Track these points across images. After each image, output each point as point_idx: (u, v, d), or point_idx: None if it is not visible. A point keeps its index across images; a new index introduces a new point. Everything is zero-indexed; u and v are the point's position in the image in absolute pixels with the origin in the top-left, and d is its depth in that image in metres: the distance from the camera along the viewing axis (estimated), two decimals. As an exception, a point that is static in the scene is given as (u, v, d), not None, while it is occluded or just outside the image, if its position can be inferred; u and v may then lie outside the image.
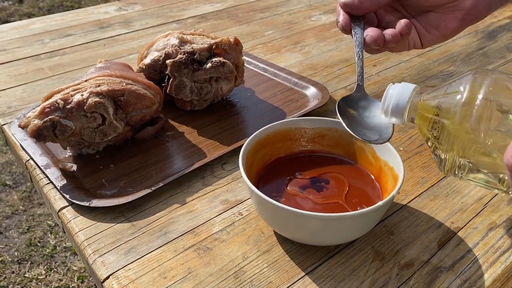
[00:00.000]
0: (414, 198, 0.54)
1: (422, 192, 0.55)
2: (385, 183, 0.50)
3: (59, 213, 0.53)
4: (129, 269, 0.46)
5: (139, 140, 0.64)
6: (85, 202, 0.52)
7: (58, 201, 0.54)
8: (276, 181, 0.51)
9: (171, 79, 0.65)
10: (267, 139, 0.53)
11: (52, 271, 1.44)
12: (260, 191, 0.44)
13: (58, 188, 0.55)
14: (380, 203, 0.42)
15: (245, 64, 0.83)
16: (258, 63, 0.84)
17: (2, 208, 1.67)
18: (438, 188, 0.56)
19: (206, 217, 0.52)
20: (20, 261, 1.47)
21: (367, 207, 0.47)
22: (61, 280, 1.41)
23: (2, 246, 1.52)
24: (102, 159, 0.61)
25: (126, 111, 0.59)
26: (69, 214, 0.52)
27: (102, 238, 0.49)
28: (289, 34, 1.03)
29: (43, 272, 1.43)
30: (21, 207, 1.69)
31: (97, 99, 0.56)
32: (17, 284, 1.39)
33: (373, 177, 0.52)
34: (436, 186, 0.56)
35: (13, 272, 1.43)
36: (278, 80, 0.80)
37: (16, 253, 1.50)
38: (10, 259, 1.47)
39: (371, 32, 0.47)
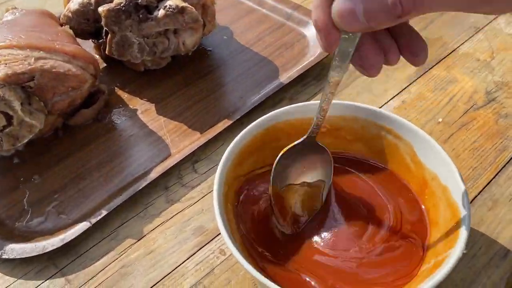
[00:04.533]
0: (466, 208, 0.38)
1: (475, 196, 0.39)
2: (433, 208, 0.33)
3: (-37, 264, 0.37)
4: None
5: (74, 127, 0.46)
6: (-5, 252, 0.36)
7: (-38, 241, 0.38)
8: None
9: (109, 35, 0.45)
10: (252, 145, 0.36)
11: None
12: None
13: (-41, 224, 0.38)
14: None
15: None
16: (236, -15, 0.62)
17: None
18: (498, 186, 0.40)
19: (173, 261, 0.36)
20: None
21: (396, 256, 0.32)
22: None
23: None
24: (23, 165, 0.43)
25: (43, 98, 0.40)
26: (-23, 265, 0.37)
27: (24, 309, 0.34)
28: None
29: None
30: None
31: (-10, 91, 0.37)
32: None
33: (413, 190, 0.35)
34: (494, 182, 0.40)
35: None
36: (265, 11, 0.58)
37: None
38: None
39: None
